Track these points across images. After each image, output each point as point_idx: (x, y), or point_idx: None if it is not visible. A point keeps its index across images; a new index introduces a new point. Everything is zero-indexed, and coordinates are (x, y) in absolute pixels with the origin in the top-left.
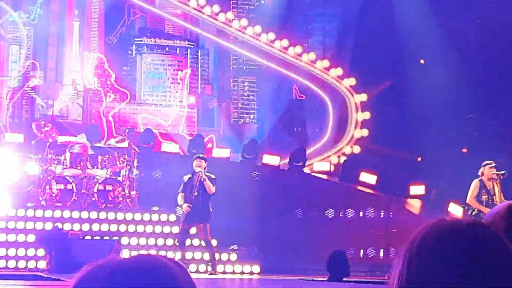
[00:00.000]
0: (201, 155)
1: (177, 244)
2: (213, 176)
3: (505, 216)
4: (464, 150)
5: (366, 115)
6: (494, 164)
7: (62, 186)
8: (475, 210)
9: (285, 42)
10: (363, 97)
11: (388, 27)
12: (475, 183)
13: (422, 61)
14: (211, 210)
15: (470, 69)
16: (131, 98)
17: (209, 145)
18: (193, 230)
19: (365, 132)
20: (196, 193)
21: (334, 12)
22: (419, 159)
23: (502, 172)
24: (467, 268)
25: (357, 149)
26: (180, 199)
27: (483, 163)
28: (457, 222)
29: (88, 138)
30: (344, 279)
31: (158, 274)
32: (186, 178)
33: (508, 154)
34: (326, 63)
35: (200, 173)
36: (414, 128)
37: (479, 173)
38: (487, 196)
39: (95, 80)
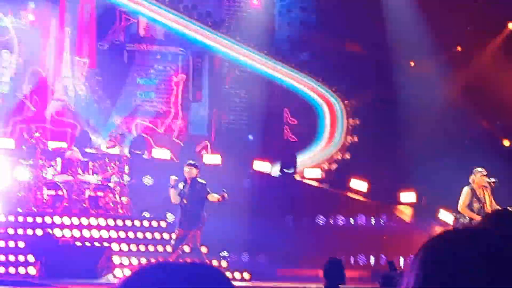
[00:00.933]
0: (192, 162)
1: (170, 250)
2: (203, 182)
3: (494, 223)
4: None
5: (357, 121)
6: (485, 172)
7: (53, 192)
8: (467, 218)
9: (275, 48)
10: (354, 103)
11: (377, 34)
12: (466, 191)
13: (412, 63)
14: (202, 217)
15: (459, 75)
16: (122, 104)
17: (204, 152)
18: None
19: (355, 139)
20: (185, 201)
21: (322, 18)
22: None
23: (493, 180)
24: (485, 276)
25: (347, 156)
26: (173, 193)
27: (474, 171)
28: (472, 230)
29: (79, 144)
30: (340, 286)
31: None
32: (181, 185)
33: (498, 161)
34: (316, 69)
35: (223, 198)
36: (405, 135)
37: (470, 180)
38: (478, 204)
39: (86, 86)
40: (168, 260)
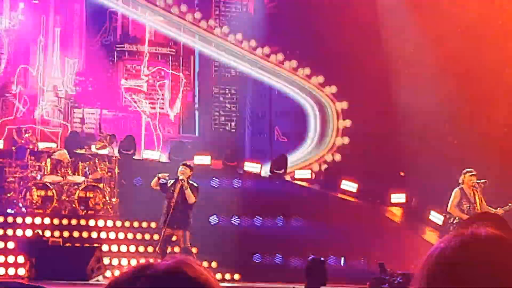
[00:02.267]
0: (188, 163)
1: (158, 251)
2: (195, 185)
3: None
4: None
5: (347, 122)
6: (474, 172)
7: (42, 193)
8: (456, 218)
9: (266, 50)
10: (344, 104)
11: (371, 35)
12: (455, 191)
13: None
14: (190, 218)
15: (451, 77)
16: (112, 105)
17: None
18: (174, 238)
19: (346, 140)
20: (175, 200)
21: (313, 20)
22: (402, 173)
23: (483, 180)
24: (488, 281)
25: (338, 157)
26: (155, 180)
27: (463, 171)
28: (477, 235)
29: (69, 145)
30: (322, 287)
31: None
32: (170, 182)
33: (490, 163)
34: (307, 70)
35: (182, 181)
36: (395, 136)
37: (460, 181)
38: (468, 205)
39: (76, 86)
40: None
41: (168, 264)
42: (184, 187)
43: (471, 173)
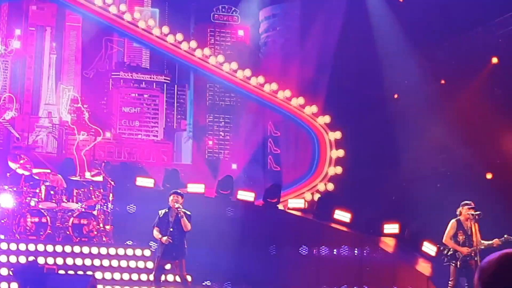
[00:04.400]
0: (178, 191)
1: (152, 279)
2: (188, 213)
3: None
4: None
5: (340, 152)
6: (472, 206)
7: (36, 219)
8: (451, 249)
9: (261, 79)
10: (338, 134)
11: (365, 63)
12: (452, 222)
13: (395, 96)
14: (186, 246)
15: (444, 105)
16: (107, 132)
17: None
18: (168, 266)
19: (339, 170)
20: (171, 229)
21: (310, 49)
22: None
23: (477, 212)
24: None
25: (331, 187)
26: (156, 233)
27: (461, 203)
28: None
29: (63, 171)
30: None
31: None
32: (161, 212)
33: (482, 192)
34: (301, 100)
35: (178, 209)
36: (388, 166)
37: (457, 212)
38: (464, 236)
39: (69, 117)
40: None
41: None
42: (180, 215)
43: (469, 206)
